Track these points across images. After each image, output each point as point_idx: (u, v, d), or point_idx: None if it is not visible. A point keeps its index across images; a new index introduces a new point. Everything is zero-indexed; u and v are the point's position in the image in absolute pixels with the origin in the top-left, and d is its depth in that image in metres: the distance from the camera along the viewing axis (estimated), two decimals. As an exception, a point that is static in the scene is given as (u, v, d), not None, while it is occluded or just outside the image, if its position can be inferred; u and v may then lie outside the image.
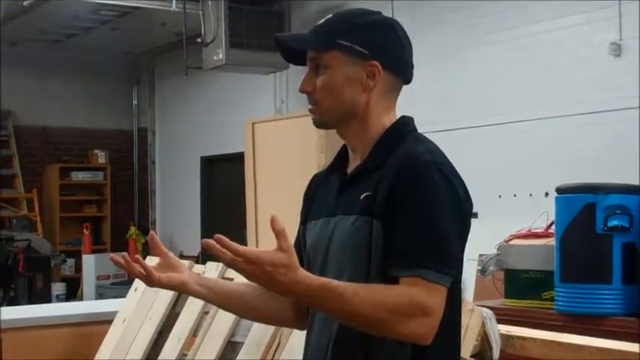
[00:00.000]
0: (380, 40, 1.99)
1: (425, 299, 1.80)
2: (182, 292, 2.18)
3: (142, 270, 2.02)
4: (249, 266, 1.73)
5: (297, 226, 2.20)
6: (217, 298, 2.13)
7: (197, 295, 2.12)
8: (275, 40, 2.05)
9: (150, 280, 2.03)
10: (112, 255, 2.12)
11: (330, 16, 2.04)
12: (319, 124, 2.05)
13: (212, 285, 2.13)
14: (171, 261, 2.08)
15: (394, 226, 1.86)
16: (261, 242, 6.19)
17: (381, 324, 1.80)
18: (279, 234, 1.74)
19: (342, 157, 2.09)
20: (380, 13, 2.07)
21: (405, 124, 2.04)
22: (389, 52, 2.00)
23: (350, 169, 2.04)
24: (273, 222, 1.74)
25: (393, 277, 1.84)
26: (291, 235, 2.22)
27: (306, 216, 2.14)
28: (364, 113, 2.00)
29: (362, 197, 1.93)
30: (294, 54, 2.06)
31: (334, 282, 1.80)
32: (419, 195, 1.86)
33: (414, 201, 1.86)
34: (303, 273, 1.77)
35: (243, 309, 2.19)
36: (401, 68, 2.03)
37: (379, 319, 1.79)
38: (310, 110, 2.03)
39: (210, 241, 1.72)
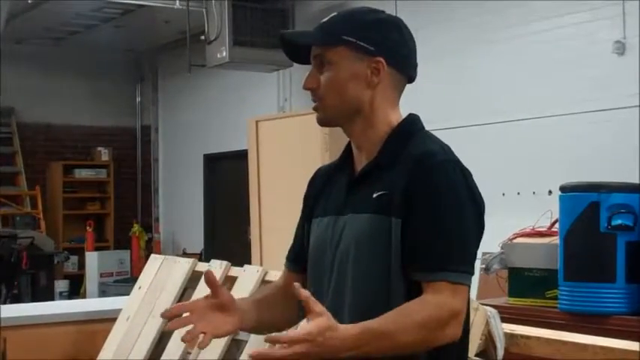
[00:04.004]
0: (384, 37, 1.99)
1: (452, 304, 1.83)
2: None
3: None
4: (303, 346, 1.71)
5: (299, 221, 2.20)
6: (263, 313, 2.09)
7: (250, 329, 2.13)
8: (280, 37, 2.04)
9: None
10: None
11: (335, 14, 2.04)
12: (323, 121, 2.04)
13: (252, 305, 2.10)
14: (223, 299, 1.99)
15: (414, 225, 1.87)
16: (265, 240, 6.19)
17: (425, 342, 1.83)
18: (308, 300, 1.74)
19: (347, 155, 2.08)
20: (384, 12, 2.07)
21: (414, 122, 2.05)
22: (393, 48, 2.00)
23: (357, 168, 2.03)
24: (298, 292, 1.74)
25: (416, 280, 1.86)
26: (291, 233, 2.22)
27: (311, 213, 2.13)
28: (369, 110, 1.99)
29: (375, 196, 1.93)
30: (298, 52, 2.06)
31: (371, 323, 1.80)
32: (438, 194, 1.87)
33: (433, 200, 1.87)
34: (344, 327, 1.78)
35: (277, 318, 2.14)
36: (404, 65, 2.03)
37: (422, 340, 1.82)
38: (314, 108, 2.03)
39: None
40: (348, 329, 1.78)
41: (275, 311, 2.12)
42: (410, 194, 1.88)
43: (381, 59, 1.97)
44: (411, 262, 1.87)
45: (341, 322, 1.94)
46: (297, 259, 2.15)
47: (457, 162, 1.93)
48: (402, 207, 1.88)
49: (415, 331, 1.80)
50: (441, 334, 1.83)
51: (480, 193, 1.94)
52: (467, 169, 1.94)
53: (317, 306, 1.74)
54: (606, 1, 6.68)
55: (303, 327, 1.73)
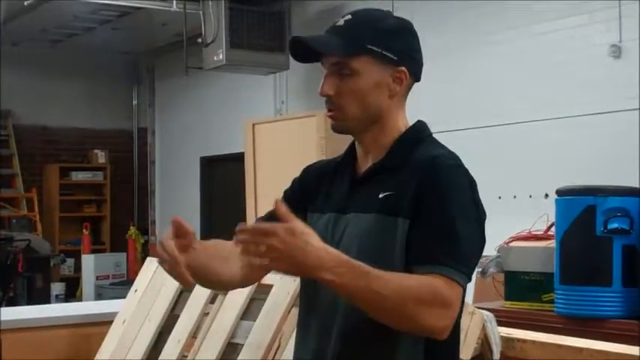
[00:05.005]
0: (405, 46, 2.01)
1: (445, 293, 1.80)
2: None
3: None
4: (271, 239, 1.68)
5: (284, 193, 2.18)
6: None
7: None
8: (294, 40, 2.00)
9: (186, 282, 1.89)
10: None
11: (350, 17, 2.01)
12: (341, 129, 2.02)
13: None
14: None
15: (419, 224, 1.87)
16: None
17: (403, 311, 1.77)
18: (286, 214, 1.72)
19: (350, 155, 2.08)
20: (391, 13, 2.08)
21: (422, 128, 2.07)
22: (413, 57, 2.03)
23: (361, 169, 2.04)
24: (278, 206, 1.74)
25: (415, 272, 1.84)
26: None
27: (300, 201, 2.11)
28: (386, 118, 2.00)
29: (382, 196, 1.93)
30: (306, 53, 2.02)
31: (352, 259, 1.76)
32: (447, 196, 1.88)
33: (441, 202, 1.88)
34: (324, 244, 1.74)
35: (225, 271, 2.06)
36: (419, 71, 2.06)
37: (401, 305, 1.77)
38: (332, 116, 2.01)
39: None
40: (328, 247, 1.75)
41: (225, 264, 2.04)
42: (419, 195, 1.89)
43: (404, 69, 1.99)
44: (412, 258, 1.86)
45: (339, 310, 1.93)
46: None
47: (466, 169, 1.95)
48: (410, 207, 1.89)
49: (399, 294, 1.76)
50: (423, 315, 1.78)
51: (482, 205, 1.95)
52: (473, 179, 1.95)
53: (294, 218, 1.73)
54: (602, 5, 6.68)
55: (272, 223, 1.72)
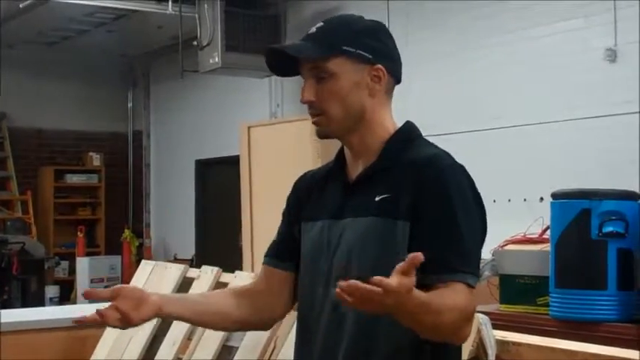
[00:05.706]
0: (380, 44, 2.01)
1: (471, 304, 1.83)
2: (160, 317, 2.14)
3: (117, 315, 1.99)
4: (388, 299, 1.61)
5: (282, 221, 2.20)
6: (192, 314, 2.10)
7: (176, 316, 2.12)
8: (270, 50, 2.03)
9: (128, 322, 1.99)
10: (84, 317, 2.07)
11: (322, 24, 2.03)
12: (325, 133, 2.02)
13: (185, 302, 2.15)
14: (130, 292, 2.04)
15: (426, 228, 1.86)
16: (256, 246, 6.19)
17: (455, 329, 1.81)
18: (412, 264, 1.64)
19: (340, 161, 2.08)
20: (363, 17, 2.08)
21: (412, 128, 2.07)
22: (389, 55, 2.03)
23: (352, 174, 2.03)
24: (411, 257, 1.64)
25: (431, 281, 1.81)
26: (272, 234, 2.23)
27: (297, 215, 2.12)
28: (370, 118, 2.00)
29: (378, 199, 1.93)
30: (283, 64, 2.04)
31: (427, 297, 1.72)
32: (449, 197, 1.89)
33: (445, 203, 1.88)
34: (416, 292, 1.68)
35: (220, 319, 2.14)
36: (397, 70, 2.05)
37: (452, 325, 1.79)
38: (316, 122, 2.01)
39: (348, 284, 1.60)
40: (417, 295, 1.68)
41: (216, 315, 2.13)
42: (420, 197, 1.89)
43: (381, 67, 1.99)
44: (424, 265, 1.77)
45: (344, 324, 1.93)
46: (280, 255, 2.14)
47: (463, 167, 1.96)
48: (410, 209, 1.89)
49: (449, 318, 1.76)
50: (464, 330, 1.82)
51: (482, 200, 1.97)
52: (470, 176, 1.96)
53: (413, 272, 1.65)
54: (598, 8, 6.69)
55: (401, 282, 1.61)
